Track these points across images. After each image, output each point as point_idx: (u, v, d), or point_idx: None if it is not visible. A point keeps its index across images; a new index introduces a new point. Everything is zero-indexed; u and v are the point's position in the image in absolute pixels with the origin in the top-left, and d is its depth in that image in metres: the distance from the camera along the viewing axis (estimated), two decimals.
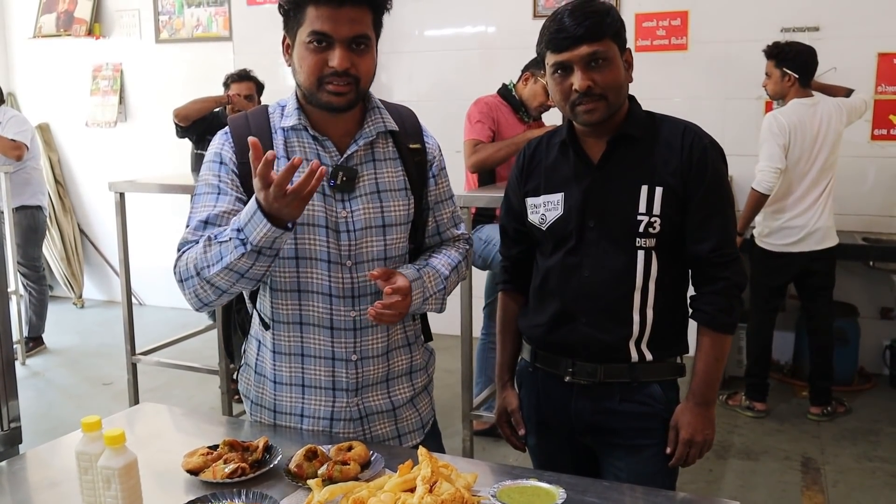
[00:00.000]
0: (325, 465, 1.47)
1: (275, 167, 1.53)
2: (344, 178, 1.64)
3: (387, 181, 1.70)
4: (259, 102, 4.49)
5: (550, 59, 1.72)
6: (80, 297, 6.90)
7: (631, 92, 1.80)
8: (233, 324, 1.89)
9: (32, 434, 2.31)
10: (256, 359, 1.78)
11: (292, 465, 1.49)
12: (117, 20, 6.54)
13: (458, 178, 3.57)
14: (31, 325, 5.52)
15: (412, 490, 1.32)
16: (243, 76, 4.52)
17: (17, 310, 5.36)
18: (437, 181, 1.79)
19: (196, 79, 6.17)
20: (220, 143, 1.69)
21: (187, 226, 1.65)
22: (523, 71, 3.77)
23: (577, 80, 1.69)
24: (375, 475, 1.46)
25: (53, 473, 1.59)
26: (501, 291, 2.04)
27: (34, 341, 5.54)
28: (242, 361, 1.84)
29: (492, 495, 1.36)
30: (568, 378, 1.81)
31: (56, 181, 6.84)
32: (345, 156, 1.65)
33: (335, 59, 1.54)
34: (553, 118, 3.94)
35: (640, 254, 1.74)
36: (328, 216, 1.64)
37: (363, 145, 1.67)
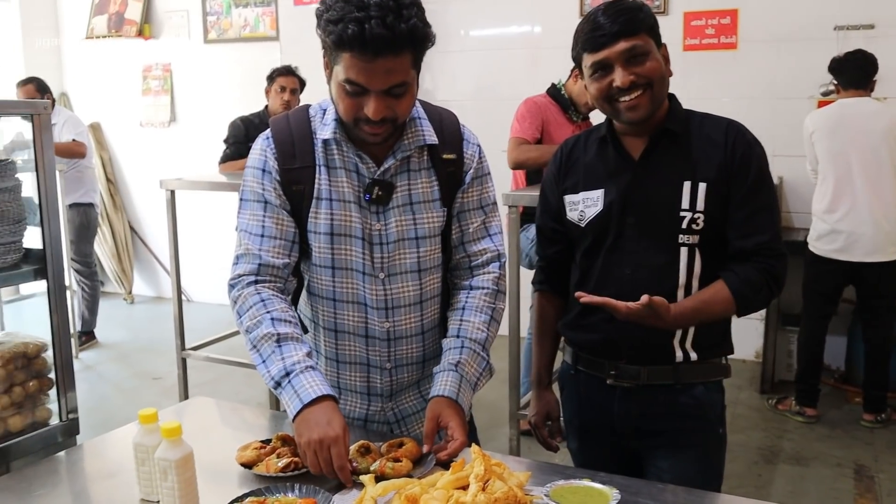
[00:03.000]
0: (377, 462, 1.47)
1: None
2: (380, 193, 1.63)
3: (420, 192, 1.67)
4: (299, 101, 4.55)
5: (588, 60, 1.70)
6: (130, 292, 7.04)
7: (678, 92, 1.79)
8: None
9: (86, 426, 2.35)
10: None
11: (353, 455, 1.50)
12: (166, 21, 6.66)
13: (504, 177, 3.57)
14: (84, 321, 5.65)
15: (465, 488, 1.32)
16: (290, 70, 4.65)
17: (70, 305, 5.48)
18: (466, 190, 1.71)
19: (243, 78, 6.26)
20: (262, 149, 1.67)
21: (238, 228, 1.67)
22: (575, 68, 3.75)
23: (618, 77, 1.66)
24: (427, 472, 1.46)
25: (110, 464, 1.62)
26: (538, 292, 2.02)
27: (86, 336, 5.66)
28: None
29: (545, 494, 1.35)
30: (610, 381, 1.79)
31: (107, 179, 6.98)
32: (381, 169, 1.63)
33: (370, 109, 1.50)
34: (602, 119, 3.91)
35: (683, 251, 1.71)
36: (364, 228, 1.64)
37: (400, 158, 1.64)
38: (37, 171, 2.16)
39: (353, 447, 1.52)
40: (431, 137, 1.66)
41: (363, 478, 1.39)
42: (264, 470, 1.50)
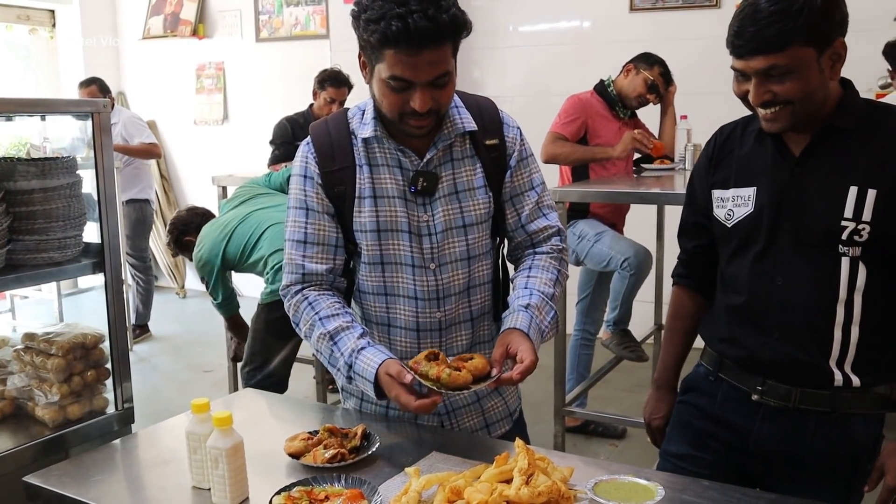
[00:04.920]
0: (436, 364, 1.48)
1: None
2: (424, 184, 1.64)
3: (465, 180, 1.68)
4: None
5: (732, 58, 1.54)
6: (183, 287, 7.19)
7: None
8: None
9: (139, 416, 2.41)
10: None
11: (411, 362, 1.52)
12: (220, 20, 6.78)
13: (552, 173, 3.56)
14: (138, 314, 5.79)
15: (508, 481, 1.33)
16: (342, 81, 4.55)
17: (126, 298, 5.62)
18: (514, 173, 1.72)
19: (294, 76, 6.33)
20: (304, 155, 1.69)
21: (285, 239, 1.71)
22: (627, 63, 3.73)
23: (752, 92, 1.52)
24: (485, 385, 1.48)
25: (163, 452, 1.67)
26: (675, 285, 1.89)
27: (141, 329, 5.81)
28: None
29: (588, 489, 1.35)
30: (756, 397, 1.64)
31: (161, 176, 7.14)
32: (424, 160, 1.64)
33: (416, 101, 1.51)
34: (652, 115, 3.87)
35: (845, 262, 1.52)
36: (410, 221, 1.65)
37: (441, 147, 1.66)
38: (95, 168, 2.23)
39: (421, 354, 1.52)
40: (470, 124, 1.67)
41: (408, 469, 1.41)
42: (311, 460, 1.52)
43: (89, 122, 2.19)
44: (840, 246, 1.52)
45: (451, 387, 1.46)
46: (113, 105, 5.57)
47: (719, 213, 1.68)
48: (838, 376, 1.56)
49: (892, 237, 1.50)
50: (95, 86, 5.44)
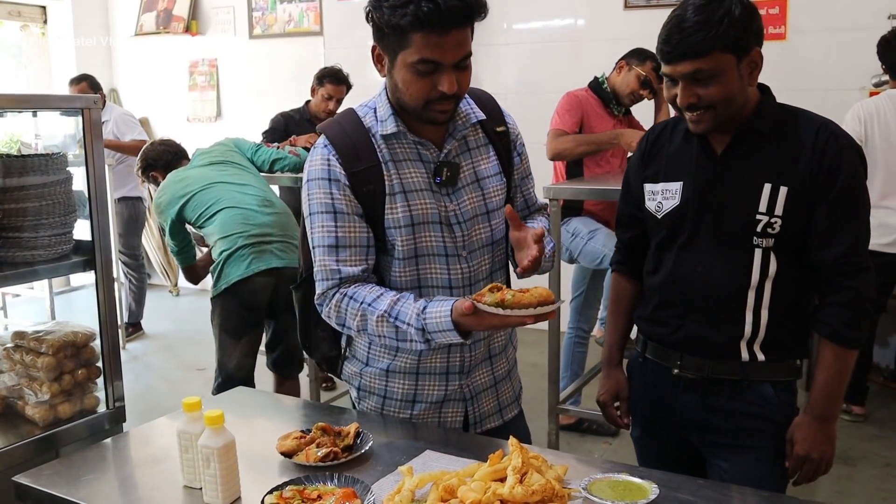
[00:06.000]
0: (499, 292, 1.47)
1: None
2: (448, 174, 1.67)
3: (483, 168, 1.74)
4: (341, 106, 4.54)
5: (662, 64, 1.68)
6: (176, 285, 7.16)
7: None
8: (316, 318, 1.82)
9: (131, 414, 2.41)
10: (368, 353, 1.79)
11: (475, 295, 1.49)
12: (213, 17, 6.75)
13: (545, 170, 3.55)
14: (131, 312, 5.77)
15: (502, 480, 1.32)
16: (341, 79, 4.49)
17: (118, 296, 5.60)
18: (521, 158, 1.83)
19: (288, 73, 6.32)
20: (324, 157, 1.65)
21: (313, 245, 1.67)
22: (620, 59, 3.72)
23: (679, 95, 1.65)
24: (547, 314, 1.46)
25: (155, 451, 1.66)
26: (614, 271, 2.00)
27: (133, 327, 5.78)
28: (348, 354, 1.85)
29: (582, 488, 1.35)
30: (676, 371, 1.78)
31: None
32: (443, 152, 1.68)
33: (444, 84, 1.54)
34: (645, 110, 3.87)
35: (758, 252, 1.67)
36: (440, 212, 1.68)
37: (458, 138, 1.70)
38: (86, 164, 2.21)
39: (486, 287, 1.51)
40: (480, 114, 1.73)
41: (401, 468, 1.40)
42: (304, 459, 1.52)
43: (80, 119, 2.18)
44: (754, 238, 1.67)
45: (516, 306, 1.45)
46: (104, 102, 5.55)
47: (650, 205, 1.81)
48: (745, 355, 1.72)
49: (800, 230, 1.66)
50: (86, 83, 5.41)
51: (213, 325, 3.19)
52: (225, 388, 2.92)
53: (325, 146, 1.66)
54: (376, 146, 1.65)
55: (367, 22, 1.58)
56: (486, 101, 1.78)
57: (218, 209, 3.16)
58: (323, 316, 1.69)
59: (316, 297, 1.68)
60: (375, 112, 1.67)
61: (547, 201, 1.95)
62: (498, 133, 1.77)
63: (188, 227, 3.31)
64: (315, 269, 1.67)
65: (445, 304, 1.53)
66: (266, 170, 3.65)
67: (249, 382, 3.11)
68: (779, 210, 1.64)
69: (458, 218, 1.68)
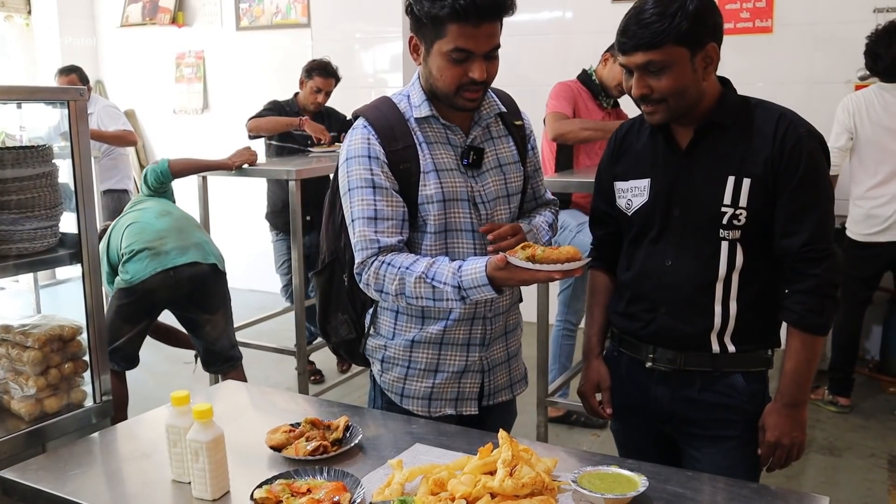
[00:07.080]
0: (530, 248, 1.59)
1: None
2: (475, 157, 1.80)
3: (505, 155, 1.88)
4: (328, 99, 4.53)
5: (619, 55, 1.72)
6: None
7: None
8: (336, 303, 1.96)
9: None
10: (395, 327, 1.87)
11: (507, 253, 1.60)
12: (200, 8, 6.70)
13: None
14: None
15: (492, 473, 1.32)
16: (329, 72, 4.45)
17: (104, 290, 5.56)
18: (534, 153, 1.97)
19: (275, 66, 6.28)
20: (364, 137, 1.76)
21: (352, 218, 1.76)
22: (605, 51, 3.71)
23: (633, 85, 1.69)
24: (572, 272, 1.56)
25: (143, 445, 1.65)
26: (591, 268, 2.03)
27: None
28: (371, 332, 1.92)
29: (572, 480, 1.35)
30: (649, 364, 1.81)
31: (140, 166, 7.06)
32: (470, 137, 1.82)
33: (475, 71, 1.69)
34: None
35: (724, 245, 1.70)
36: (468, 191, 1.80)
37: (483, 126, 1.84)
38: (72, 157, 2.20)
39: (518, 246, 1.62)
40: (501, 107, 1.89)
41: (391, 461, 1.40)
42: (293, 453, 1.52)
43: (66, 111, 2.16)
44: (721, 230, 1.69)
45: (546, 261, 1.56)
46: (90, 93, 5.51)
47: (621, 202, 1.85)
48: (716, 347, 1.75)
49: (765, 221, 1.68)
50: (76, 75, 5.34)
51: (110, 309, 3.29)
52: (115, 357, 3.20)
53: (365, 127, 1.79)
54: (411, 129, 1.79)
55: (407, 14, 1.73)
56: (504, 96, 1.93)
57: (122, 230, 3.32)
58: (361, 285, 1.77)
59: (355, 266, 1.77)
60: (409, 99, 1.82)
61: (555, 198, 2.05)
62: (516, 126, 1.91)
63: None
64: (354, 241, 1.77)
65: (480, 261, 1.64)
66: (151, 183, 3.66)
67: (135, 356, 3.44)
68: (743, 201, 1.66)
69: (483, 198, 1.81)
